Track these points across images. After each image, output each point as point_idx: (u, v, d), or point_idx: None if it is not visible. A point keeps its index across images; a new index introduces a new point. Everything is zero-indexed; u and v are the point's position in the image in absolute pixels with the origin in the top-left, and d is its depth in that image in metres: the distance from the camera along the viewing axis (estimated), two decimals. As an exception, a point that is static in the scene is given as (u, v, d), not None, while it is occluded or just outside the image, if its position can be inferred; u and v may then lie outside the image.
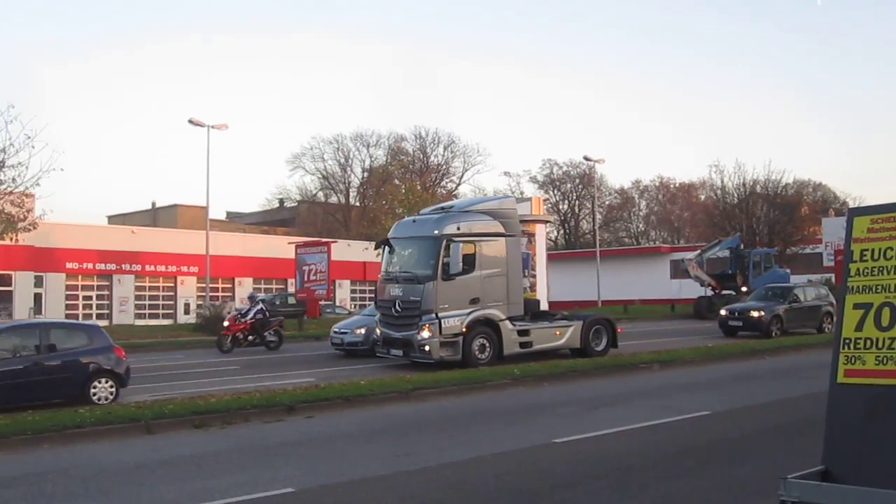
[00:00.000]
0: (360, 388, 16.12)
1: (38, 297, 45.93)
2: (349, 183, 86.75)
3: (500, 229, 21.37)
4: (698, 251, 47.85)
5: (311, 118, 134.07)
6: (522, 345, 21.32)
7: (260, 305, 27.62)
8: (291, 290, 48.43)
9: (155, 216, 70.79)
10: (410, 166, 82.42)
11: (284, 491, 9.01)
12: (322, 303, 43.86)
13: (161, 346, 31.85)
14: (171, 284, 53.76)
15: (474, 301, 20.56)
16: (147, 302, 52.36)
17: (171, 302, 53.49)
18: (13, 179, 33.88)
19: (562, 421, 13.54)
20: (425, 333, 20.05)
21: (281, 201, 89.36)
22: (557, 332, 22.19)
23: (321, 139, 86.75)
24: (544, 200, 65.49)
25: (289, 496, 8.86)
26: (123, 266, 50.37)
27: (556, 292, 44.94)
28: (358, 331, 25.15)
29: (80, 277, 48.63)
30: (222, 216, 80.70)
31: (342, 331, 25.78)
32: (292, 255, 42.30)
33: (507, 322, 21.07)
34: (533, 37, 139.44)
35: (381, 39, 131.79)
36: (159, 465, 10.77)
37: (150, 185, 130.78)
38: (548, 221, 35.24)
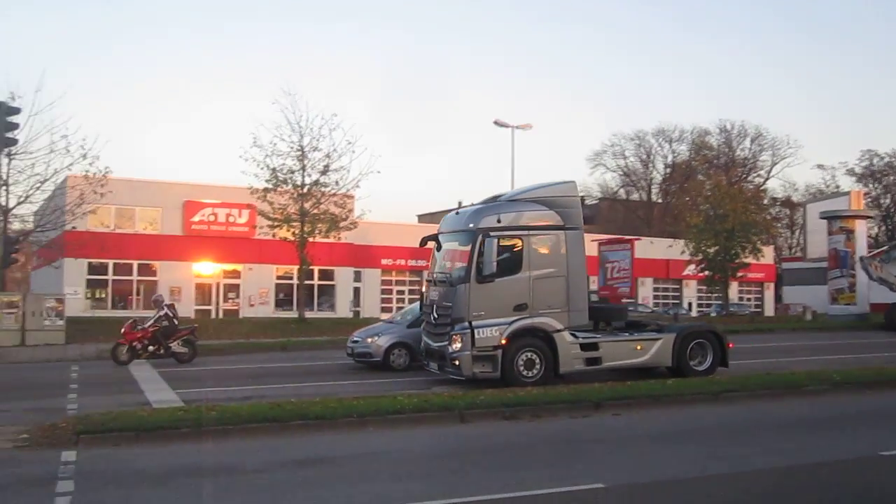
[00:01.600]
0: (668, 387, 16.22)
1: (356, 291, 50.07)
2: (651, 179, 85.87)
3: (557, 221, 18.30)
4: (886, 248, 41.43)
5: (612, 115, 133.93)
6: (589, 361, 18.07)
7: (164, 311, 23.92)
8: (594, 287, 48.80)
9: (462, 214, 74.33)
10: (715, 161, 79.76)
11: (594, 486, 9.32)
12: (625, 300, 43.75)
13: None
14: (477, 281, 56.13)
15: (520, 307, 17.63)
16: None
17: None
18: (336, 182, 37.64)
19: (887, 433, 12.69)
20: (456, 345, 17.43)
21: (582, 199, 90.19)
22: (638, 347, 18.64)
23: (622, 136, 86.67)
24: (864, 195, 60.53)
25: (599, 492, 9.17)
26: (433, 263, 53.39)
27: (879, 294, 41.47)
28: (370, 340, 22.33)
29: (393, 273, 52.24)
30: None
31: (356, 338, 22.96)
32: (594, 253, 42.60)
33: (566, 333, 17.85)
34: (848, 20, 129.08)
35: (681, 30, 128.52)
36: (472, 452, 11.58)
37: (457, 185, 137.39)
38: (868, 217, 31.74)
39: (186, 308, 43.52)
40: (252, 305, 45.56)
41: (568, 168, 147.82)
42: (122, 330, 23.78)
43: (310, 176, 37.54)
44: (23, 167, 30.71)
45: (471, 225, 18.04)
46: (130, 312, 41.67)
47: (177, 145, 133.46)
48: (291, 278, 46.23)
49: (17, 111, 27.43)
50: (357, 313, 48.25)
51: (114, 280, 43.99)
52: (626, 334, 19.27)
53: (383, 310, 49.63)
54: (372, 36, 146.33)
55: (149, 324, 23.60)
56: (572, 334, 17.97)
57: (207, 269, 45.46)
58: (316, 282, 47.69)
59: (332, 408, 13.80)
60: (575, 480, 9.59)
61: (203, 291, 45.65)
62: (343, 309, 48.28)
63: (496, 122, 44.61)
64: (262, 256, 45.13)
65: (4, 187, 29.59)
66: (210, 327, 32.41)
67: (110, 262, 43.18)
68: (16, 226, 32.96)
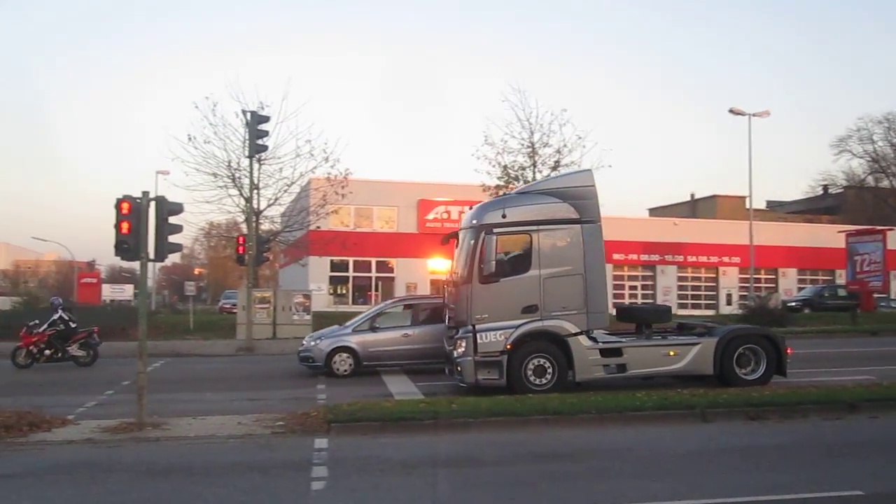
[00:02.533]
0: (935, 390, 14.90)
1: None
2: (904, 165, 79.00)
3: (571, 214, 16.71)
4: None
5: (859, 98, 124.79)
6: (610, 368, 16.60)
7: (59, 314, 23.79)
8: (840, 281, 45.82)
9: (694, 207, 72.12)
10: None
11: (853, 493, 8.81)
12: (876, 296, 40.82)
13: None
14: (713, 275, 54.41)
15: (529, 309, 16.35)
16: (689, 292, 53.65)
17: (713, 292, 54.14)
18: (569, 178, 37.44)
19: None
20: (459, 350, 16.53)
21: (825, 188, 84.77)
22: (672, 353, 16.80)
23: (870, 119, 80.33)
24: None
25: (859, 499, 8.65)
26: (666, 257, 52.25)
27: None
28: (313, 343, 21.40)
29: (625, 268, 51.56)
30: (762, 205, 79.23)
31: (304, 342, 22.25)
32: (839, 245, 39.97)
33: (583, 337, 16.45)
34: None
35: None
36: (717, 453, 11.24)
37: (689, 176, 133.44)
38: None
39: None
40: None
41: (809, 156, 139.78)
42: (21, 333, 23.91)
43: (541, 172, 37.73)
44: (271, 171, 32.99)
45: (474, 221, 17.07)
46: (370, 307, 43.84)
47: (411, 145, 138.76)
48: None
49: (266, 119, 29.52)
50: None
51: (354, 276, 46.37)
52: (659, 338, 17.63)
53: (615, 305, 49.18)
54: (593, 31, 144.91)
55: (44, 328, 23.61)
56: (591, 338, 16.60)
57: (441, 265, 46.81)
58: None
59: (571, 403, 13.84)
60: (831, 486, 9.07)
61: (437, 287, 46.98)
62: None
63: (731, 111, 42.84)
64: (494, 252, 45.88)
65: (256, 191, 31.87)
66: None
67: (350, 260, 45.53)
68: (265, 226, 35.41)
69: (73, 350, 23.64)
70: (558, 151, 37.25)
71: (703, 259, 53.45)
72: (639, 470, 10.25)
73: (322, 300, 42.27)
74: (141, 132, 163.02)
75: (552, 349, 16.33)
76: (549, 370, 16.27)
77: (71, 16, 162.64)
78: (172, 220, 13.80)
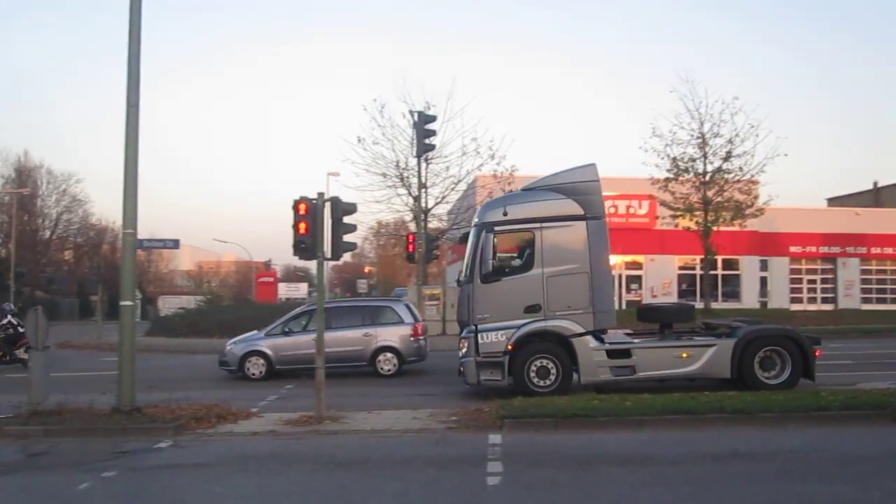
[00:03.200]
0: None
1: (763, 281, 48.00)
2: None
3: (576, 210, 16.19)
4: None
5: None
6: (618, 370, 15.94)
7: (8, 319, 24.17)
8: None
9: (877, 196, 67.99)
10: None
11: None
12: None
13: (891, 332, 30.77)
14: (900, 267, 51.15)
15: (532, 309, 15.97)
16: (874, 286, 50.64)
17: (901, 286, 50.91)
18: (740, 168, 36.38)
19: None
20: (462, 350, 16.44)
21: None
22: (684, 355, 15.99)
23: None
24: None
25: None
26: (847, 249, 49.54)
27: None
28: (228, 347, 21.66)
29: (803, 261, 49.28)
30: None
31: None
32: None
33: (589, 338, 15.89)
34: None
35: None
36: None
37: (871, 164, 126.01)
38: None
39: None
40: (654, 297, 45.62)
41: None
42: None
43: (711, 163, 36.78)
44: (438, 170, 33.58)
45: (476, 220, 16.80)
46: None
47: (577, 139, 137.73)
48: (694, 268, 45.69)
49: (433, 119, 30.04)
50: (764, 304, 46.34)
51: (520, 273, 46.59)
52: (674, 339, 16.89)
53: (792, 300, 47.17)
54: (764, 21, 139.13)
55: None
56: (598, 339, 16.09)
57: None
58: (720, 271, 46.45)
59: (750, 402, 13.39)
60: None
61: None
62: (749, 299, 46.58)
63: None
64: (663, 247, 44.96)
65: (424, 189, 32.51)
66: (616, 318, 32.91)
67: (516, 256, 45.75)
68: (433, 224, 36.04)
69: (20, 353, 24.03)
70: (730, 141, 36.21)
71: (890, 251, 50.30)
72: (826, 472, 9.79)
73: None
74: (313, 136, 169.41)
75: (556, 350, 16.02)
76: (553, 371, 15.98)
77: (255, 21, 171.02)
78: (346, 219, 14.29)
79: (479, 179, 35.99)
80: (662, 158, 36.59)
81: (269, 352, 21.05)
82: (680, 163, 36.64)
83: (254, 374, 20.90)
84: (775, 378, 15.95)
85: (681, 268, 46.79)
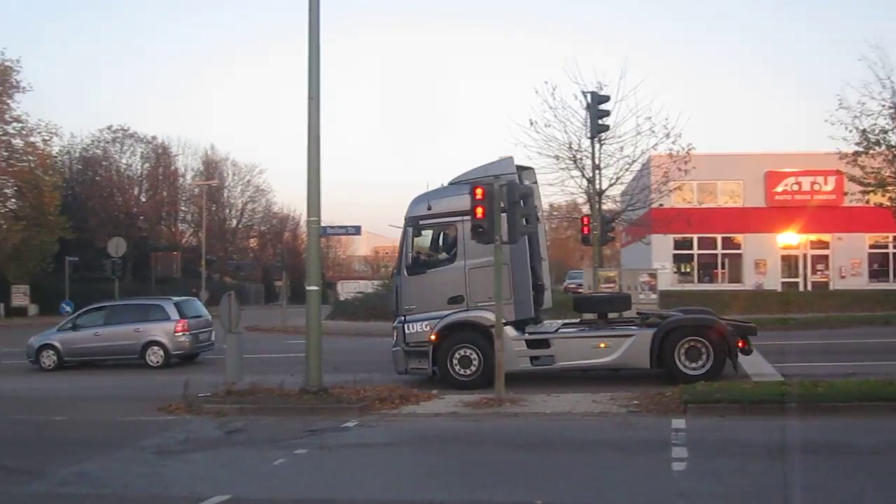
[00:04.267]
0: None
1: None
2: None
3: None
4: None
5: None
6: (536, 359, 16.19)
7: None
8: None
9: None
10: None
11: None
12: None
13: None
14: None
15: (455, 300, 16.49)
16: None
17: None
18: None
19: None
20: (393, 340, 17.12)
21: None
22: (602, 345, 16.09)
23: None
24: None
25: None
26: None
27: None
28: (31, 340, 23.68)
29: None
30: None
31: None
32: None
33: (509, 328, 15.71)
34: None
35: None
36: None
37: None
38: None
39: (773, 281, 43.04)
40: (843, 277, 43.37)
41: None
42: None
43: (906, 134, 34.38)
44: (612, 151, 33.00)
45: (406, 214, 17.21)
46: (716, 286, 42.62)
47: (757, 116, 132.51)
48: (886, 247, 43.25)
49: (606, 99, 29.59)
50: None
51: (699, 254, 45.30)
52: (592, 329, 17.02)
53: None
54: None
55: None
56: (518, 329, 16.29)
57: (792, 240, 44.34)
58: (915, 249, 43.70)
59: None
60: None
61: (789, 263, 44.76)
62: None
63: None
64: (851, 225, 42.58)
65: (597, 171, 32.12)
66: (799, 300, 31.65)
67: (695, 237, 44.53)
68: (607, 206, 35.54)
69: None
70: None
71: None
72: None
73: (667, 279, 41.67)
74: (483, 121, 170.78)
75: (478, 340, 16.21)
76: (475, 361, 16.22)
77: (422, 9, 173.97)
78: (522, 203, 14.34)
79: (653, 159, 35.20)
80: (850, 131, 34.43)
81: (58, 345, 23.00)
82: (870, 135, 34.40)
83: (47, 366, 22.85)
84: (700, 369, 15.77)
85: (871, 247, 44.23)
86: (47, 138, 57.06)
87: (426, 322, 16.56)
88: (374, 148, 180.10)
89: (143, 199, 72.82)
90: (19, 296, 56.07)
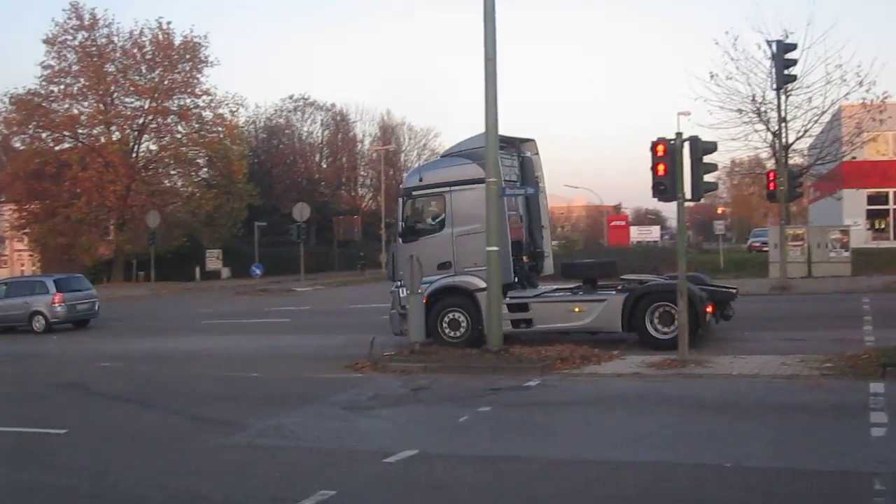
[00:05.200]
0: None
1: None
2: None
3: (481, 174, 16.39)
4: None
5: None
6: (516, 322, 16.80)
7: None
8: None
9: None
10: None
11: None
12: None
13: None
14: None
15: (444, 266, 17.32)
16: None
17: None
18: None
19: None
20: (389, 304, 18.14)
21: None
22: (577, 310, 16.59)
23: None
24: None
25: None
26: None
27: None
28: None
29: None
30: None
31: None
32: None
33: None
34: None
35: None
36: None
37: None
38: None
39: None
40: None
41: None
42: None
43: None
44: (799, 102, 31.40)
45: (401, 186, 18.07)
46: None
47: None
48: None
49: (792, 47, 28.15)
50: None
51: (895, 209, 42.66)
52: (568, 294, 17.45)
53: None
54: None
55: None
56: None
57: None
58: None
59: None
60: None
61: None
62: None
63: None
64: None
65: (783, 123, 30.69)
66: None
67: (890, 192, 41.97)
68: (794, 160, 33.96)
69: None
70: None
71: None
72: None
73: (860, 236, 39.48)
74: (659, 76, 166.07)
75: (466, 304, 16.90)
76: (464, 323, 16.87)
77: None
78: (706, 159, 13.94)
79: (844, 109, 33.25)
80: None
81: None
82: None
83: None
84: (668, 334, 15.68)
85: None
86: (234, 109, 60.11)
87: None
88: (546, 106, 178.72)
89: (324, 166, 75.64)
90: (213, 260, 59.62)
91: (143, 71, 57.60)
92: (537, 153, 19.33)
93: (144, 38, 56.83)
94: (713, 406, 10.92)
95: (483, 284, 16.44)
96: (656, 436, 9.54)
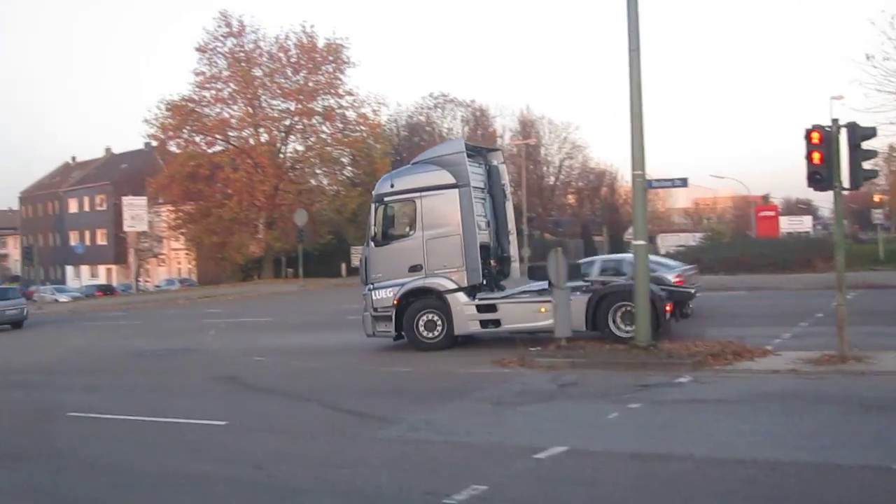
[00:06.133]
0: None
1: None
2: None
3: (449, 180, 17.85)
4: None
5: None
6: (484, 323, 17.61)
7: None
8: None
9: None
10: None
11: None
12: None
13: None
14: None
15: (414, 268, 18.05)
16: None
17: None
18: None
19: None
20: (362, 306, 18.85)
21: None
22: (542, 310, 17.02)
23: None
24: None
25: None
26: None
27: None
28: None
29: None
30: None
31: None
32: None
33: (460, 294, 17.62)
34: None
35: None
36: None
37: None
38: None
39: None
40: None
41: None
42: None
43: None
44: None
45: (373, 192, 19.12)
46: None
47: None
48: None
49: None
50: None
51: None
52: (534, 295, 17.94)
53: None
54: None
55: None
56: (469, 295, 17.69)
57: None
58: None
59: None
60: None
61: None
62: None
63: None
64: None
65: None
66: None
67: None
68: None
69: None
70: None
71: None
72: None
73: None
74: (808, 62, 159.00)
75: (440, 305, 17.73)
76: (439, 324, 17.72)
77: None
78: (864, 145, 13.33)
79: None
80: None
81: None
82: None
83: None
84: (625, 332, 16.39)
85: None
86: (376, 108, 61.45)
87: (390, 289, 18.16)
88: (689, 93, 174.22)
89: (465, 161, 76.17)
90: (358, 256, 61.07)
91: (289, 74, 59.66)
92: (503, 162, 20.82)
93: (289, 42, 58.92)
94: (878, 406, 10.43)
95: (453, 286, 17.71)
96: (816, 435, 9.22)
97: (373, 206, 18.87)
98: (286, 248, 57.69)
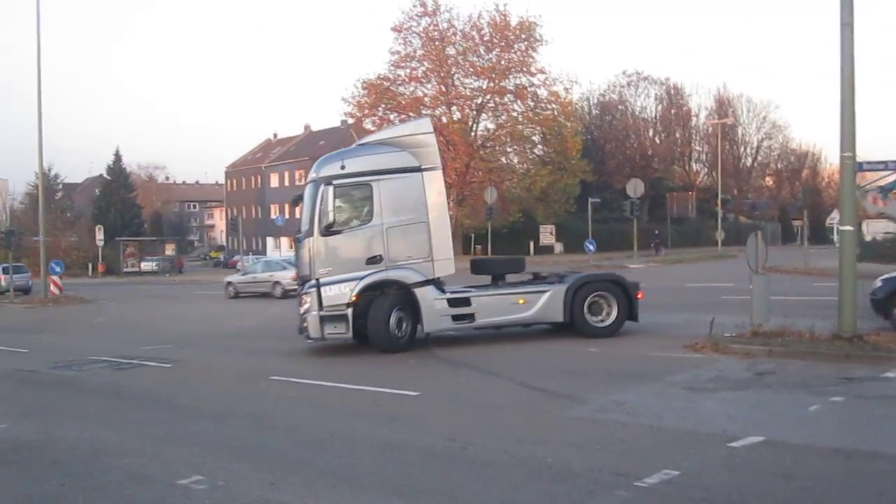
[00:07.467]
0: None
1: None
2: None
3: (411, 162, 16.52)
4: None
5: None
6: (457, 318, 16.53)
7: None
8: None
9: None
10: None
11: None
12: None
13: None
14: None
15: (373, 260, 16.25)
16: None
17: None
18: None
19: None
20: (304, 306, 16.39)
21: None
22: (521, 301, 16.75)
23: None
24: None
25: None
26: None
27: None
28: None
29: None
30: None
31: None
32: None
33: (430, 287, 16.39)
34: None
35: None
36: None
37: None
38: None
39: None
40: None
41: None
42: None
43: None
44: None
45: (314, 175, 16.82)
46: None
47: None
48: None
49: None
50: None
51: None
52: (510, 287, 17.39)
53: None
54: None
55: None
56: (438, 288, 16.62)
57: None
58: None
59: None
60: None
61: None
62: None
63: None
64: None
65: None
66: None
67: None
68: None
69: None
70: None
71: None
72: None
73: None
74: None
75: (407, 300, 16.35)
76: (405, 321, 16.37)
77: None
78: None
79: None
80: None
81: None
82: None
83: None
84: (602, 322, 16.98)
85: None
86: (568, 87, 61.13)
87: (345, 284, 16.18)
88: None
89: (658, 141, 74.62)
90: (546, 235, 61.23)
91: (482, 52, 60.21)
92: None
93: (482, 21, 59.42)
94: None
95: (420, 278, 16.44)
96: None
97: (320, 188, 16.43)
98: (475, 225, 58.43)
